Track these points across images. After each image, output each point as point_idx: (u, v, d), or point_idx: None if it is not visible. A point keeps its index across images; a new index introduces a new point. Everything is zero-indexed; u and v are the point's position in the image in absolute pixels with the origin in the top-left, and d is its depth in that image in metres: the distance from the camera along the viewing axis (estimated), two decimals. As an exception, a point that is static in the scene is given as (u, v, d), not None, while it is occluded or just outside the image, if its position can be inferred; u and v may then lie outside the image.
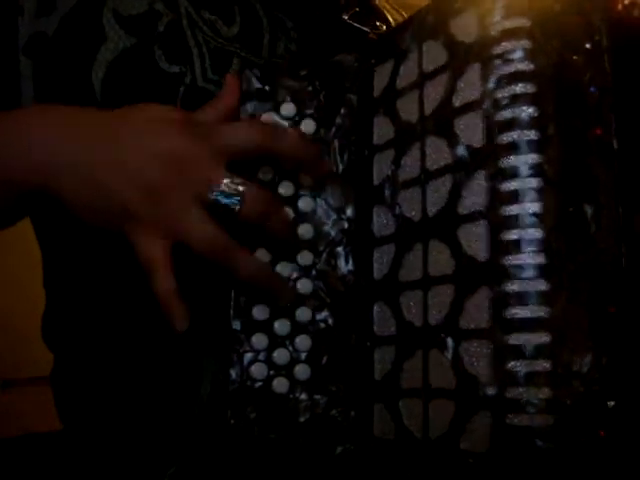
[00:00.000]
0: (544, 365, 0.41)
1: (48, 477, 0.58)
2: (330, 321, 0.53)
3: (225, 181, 0.50)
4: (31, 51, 0.60)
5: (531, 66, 0.45)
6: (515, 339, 0.42)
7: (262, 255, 0.53)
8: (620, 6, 0.49)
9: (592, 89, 0.45)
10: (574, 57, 0.46)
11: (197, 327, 0.55)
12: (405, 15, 0.70)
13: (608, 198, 0.45)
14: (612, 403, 0.42)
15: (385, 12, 0.68)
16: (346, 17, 0.63)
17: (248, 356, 0.52)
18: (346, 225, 0.55)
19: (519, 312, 0.42)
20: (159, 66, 0.59)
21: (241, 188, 0.50)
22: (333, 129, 0.56)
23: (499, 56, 0.45)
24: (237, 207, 0.50)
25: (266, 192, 0.52)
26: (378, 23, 0.65)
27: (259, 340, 0.52)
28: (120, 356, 0.59)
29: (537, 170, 0.43)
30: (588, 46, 0.46)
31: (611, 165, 0.45)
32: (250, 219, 0.50)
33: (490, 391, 0.42)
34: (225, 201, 0.50)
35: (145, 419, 0.58)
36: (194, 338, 0.56)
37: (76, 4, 0.60)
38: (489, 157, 0.45)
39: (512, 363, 0.42)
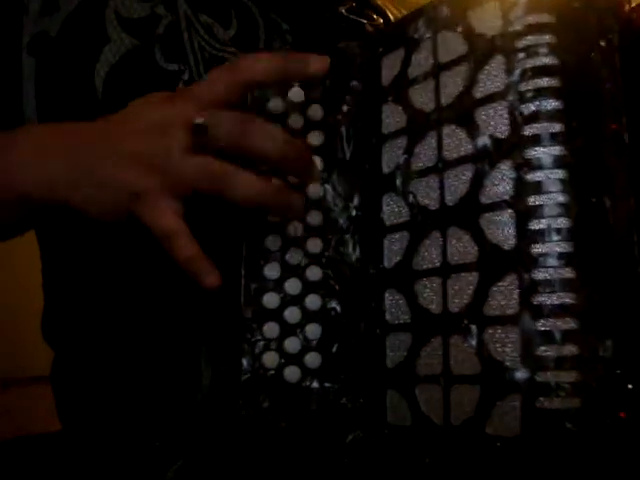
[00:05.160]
0: (571, 350, 0.43)
1: (49, 477, 0.55)
2: (339, 309, 0.53)
3: (196, 118, 0.48)
4: (34, 50, 0.60)
5: (556, 61, 0.46)
6: (544, 325, 0.43)
7: None
8: (627, 7, 0.51)
9: (609, 85, 0.47)
10: (592, 54, 0.47)
11: (195, 317, 0.54)
12: (404, 12, 0.70)
13: (621, 190, 0.47)
14: (631, 386, 0.44)
15: (386, 10, 0.69)
16: (343, 10, 0.63)
17: (260, 345, 0.51)
18: (354, 213, 0.55)
19: (547, 299, 0.44)
20: (159, 65, 0.59)
21: (212, 115, 0.48)
22: (339, 116, 0.56)
23: (524, 49, 0.46)
24: (212, 131, 0.48)
25: (237, 112, 0.49)
26: (375, 16, 0.65)
27: (270, 328, 0.51)
28: (119, 349, 0.57)
29: (562, 162, 0.45)
30: (602, 44, 0.48)
31: (624, 158, 0.47)
32: (231, 140, 0.48)
33: (520, 375, 0.43)
34: (202, 133, 0.48)
35: (146, 412, 0.56)
36: (193, 327, 0.55)
37: (78, 5, 0.60)
38: (514, 148, 0.46)
39: (542, 348, 0.43)
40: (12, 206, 0.53)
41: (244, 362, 0.51)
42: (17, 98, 0.60)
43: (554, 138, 0.45)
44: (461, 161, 0.49)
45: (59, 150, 0.51)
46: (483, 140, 0.48)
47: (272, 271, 0.52)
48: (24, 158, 0.51)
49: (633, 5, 0.51)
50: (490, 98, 0.48)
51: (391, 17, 0.68)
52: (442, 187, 0.50)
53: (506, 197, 0.46)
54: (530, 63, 0.46)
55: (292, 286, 0.52)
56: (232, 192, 0.48)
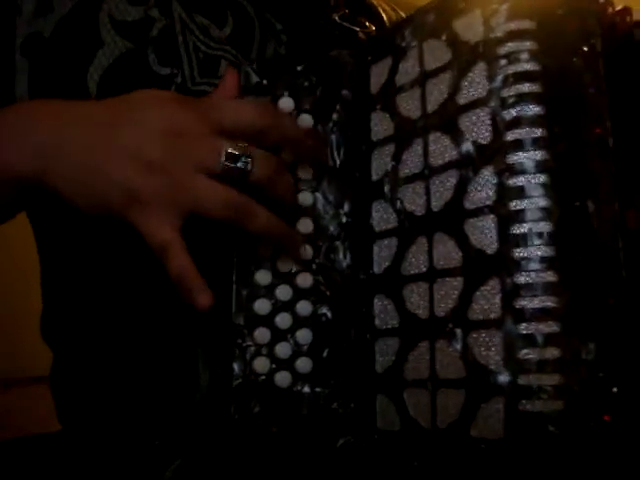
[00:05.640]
0: (554, 353, 0.43)
1: (49, 477, 0.56)
2: (330, 315, 0.54)
3: (231, 146, 0.49)
4: (27, 51, 0.60)
5: (537, 66, 0.46)
6: (526, 328, 0.44)
7: None
8: (610, 9, 0.51)
9: (592, 90, 0.48)
10: (574, 59, 0.48)
11: (192, 319, 0.54)
12: (400, 12, 0.71)
13: (606, 194, 0.47)
14: (615, 389, 0.44)
15: (380, 9, 0.69)
16: (337, 17, 0.64)
17: (251, 350, 0.52)
18: (344, 220, 0.56)
19: (529, 302, 0.44)
20: (152, 69, 0.59)
21: (249, 150, 0.49)
22: (330, 124, 0.57)
23: (505, 56, 0.47)
24: (249, 167, 0.49)
25: (271, 154, 0.51)
26: (367, 23, 0.66)
27: (262, 334, 0.52)
28: (117, 350, 0.58)
29: (544, 166, 0.45)
30: (585, 49, 0.48)
31: (609, 163, 0.47)
32: (261, 181, 0.50)
33: (502, 378, 0.44)
34: (237, 165, 0.49)
35: (145, 412, 0.57)
36: (190, 328, 0.56)
37: (73, 8, 0.60)
38: (496, 153, 0.46)
39: (524, 351, 0.43)
40: (8, 186, 0.51)
41: (235, 367, 0.51)
42: (10, 99, 0.60)
43: (536, 143, 0.46)
44: (446, 167, 0.49)
45: (49, 129, 0.50)
46: (466, 146, 0.48)
47: (263, 278, 0.53)
48: (15, 137, 0.50)
49: (617, 9, 0.51)
50: (473, 104, 0.48)
51: (385, 18, 0.69)
52: (428, 193, 0.50)
53: (489, 202, 0.46)
54: (511, 69, 0.47)
55: (283, 292, 0.53)
56: (247, 226, 0.50)
